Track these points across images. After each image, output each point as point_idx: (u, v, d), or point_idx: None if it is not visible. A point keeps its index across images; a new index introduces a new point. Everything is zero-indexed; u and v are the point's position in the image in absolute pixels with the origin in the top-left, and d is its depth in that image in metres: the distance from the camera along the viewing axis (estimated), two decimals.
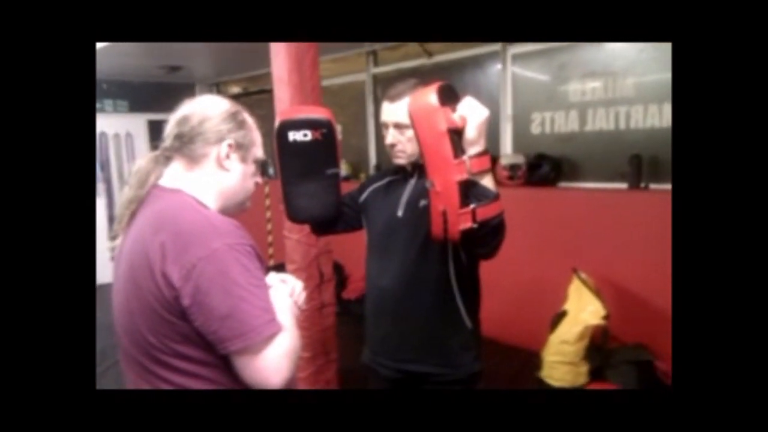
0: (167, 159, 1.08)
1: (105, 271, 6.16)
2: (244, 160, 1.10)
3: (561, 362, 2.77)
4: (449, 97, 1.28)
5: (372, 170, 4.93)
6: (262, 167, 1.17)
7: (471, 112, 1.26)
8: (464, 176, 1.25)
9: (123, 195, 1.07)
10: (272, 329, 0.94)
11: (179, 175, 1.06)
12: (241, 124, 1.09)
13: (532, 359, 3.01)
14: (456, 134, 1.25)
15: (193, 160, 1.06)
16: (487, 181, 1.29)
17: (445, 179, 1.25)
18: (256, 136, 1.14)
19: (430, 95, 1.25)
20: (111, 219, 6.09)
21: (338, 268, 4.43)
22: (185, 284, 0.91)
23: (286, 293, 1.09)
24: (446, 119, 1.24)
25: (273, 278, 1.11)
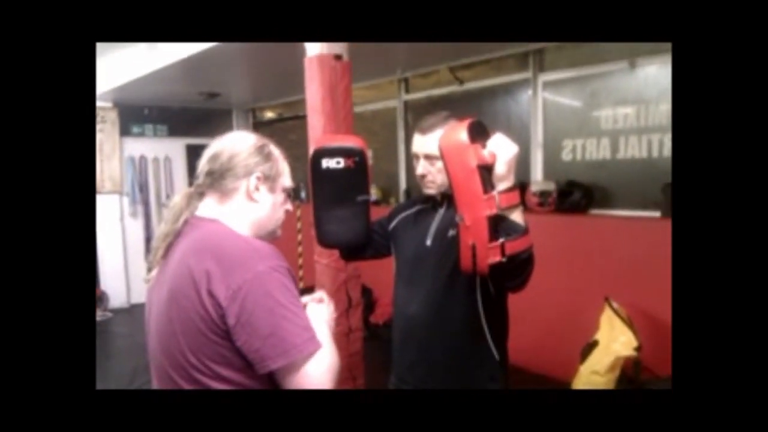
0: (201, 195, 1.14)
1: (141, 291, 6.30)
2: (272, 190, 1.15)
3: None
4: (479, 133, 1.31)
5: (402, 195, 4.96)
6: (292, 193, 1.22)
7: (500, 149, 1.28)
8: (493, 211, 1.26)
9: (159, 230, 1.13)
10: (313, 347, 0.98)
11: (213, 208, 1.12)
12: (267, 157, 1.14)
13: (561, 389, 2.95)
14: (486, 170, 1.27)
15: (225, 194, 1.11)
16: (517, 216, 1.30)
17: (474, 214, 1.27)
18: (283, 167, 1.18)
19: (460, 132, 1.28)
20: (148, 240, 6.25)
21: (367, 292, 4.45)
22: (231, 304, 0.96)
23: (323, 311, 1.14)
24: (476, 156, 1.26)
25: (308, 298, 1.16)
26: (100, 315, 5.60)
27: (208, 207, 1.12)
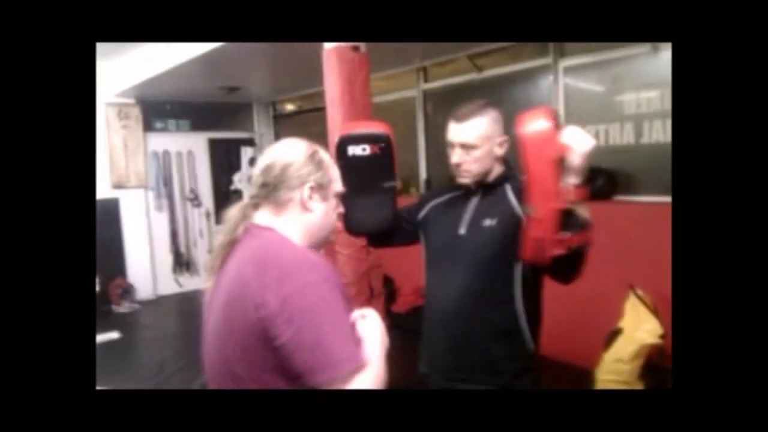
0: (256, 206, 1.14)
1: (166, 283, 6.40)
2: (325, 198, 1.14)
3: (615, 381, 2.69)
4: (557, 122, 1.29)
5: (422, 185, 4.95)
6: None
7: (576, 141, 1.25)
8: (565, 205, 1.26)
9: (216, 241, 1.15)
10: (357, 363, 0.96)
11: (269, 219, 1.12)
12: (319, 165, 1.13)
13: (584, 377, 2.93)
14: (561, 162, 1.26)
15: (280, 205, 1.11)
16: (583, 210, 1.29)
17: (547, 207, 1.26)
18: (334, 173, 1.17)
19: (545, 120, 1.25)
20: (173, 233, 6.36)
21: (388, 282, 4.46)
22: (279, 314, 0.94)
23: (375, 327, 1.10)
24: (556, 147, 1.25)
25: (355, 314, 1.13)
26: (127, 307, 5.72)
27: (265, 217, 1.12)
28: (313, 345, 0.94)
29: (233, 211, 1.14)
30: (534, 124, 1.27)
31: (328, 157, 1.17)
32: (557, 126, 1.28)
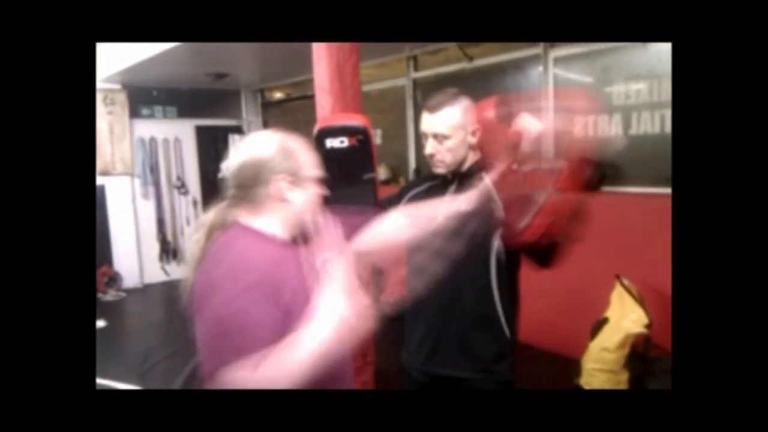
0: (234, 205, 1.15)
1: (153, 271, 6.35)
2: (301, 185, 1.14)
3: (601, 370, 2.72)
4: (506, 111, 1.29)
5: (411, 174, 4.95)
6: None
7: (526, 127, 1.27)
8: (519, 191, 1.27)
9: (190, 250, 1.16)
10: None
11: (247, 216, 1.14)
12: (290, 155, 1.13)
13: (571, 366, 2.97)
14: (513, 149, 1.27)
15: (258, 203, 1.12)
16: (542, 197, 1.30)
17: (502, 194, 1.29)
18: (305, 158, 1.16)
19: (489, 111, 1.27)
20: (160, 221, 6.30)
21: (377, 271, 4.46)
22: (193, 312, 1.04)
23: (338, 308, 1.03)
24: (504, 134, 1.25)
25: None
26: (113, 295, 5.68)
27: (244, 214, 1.14)
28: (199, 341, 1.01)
29: (210, 216, 1.16)
30: (479, 115, 1.30)
31: (296, 144, 1.16)
32: (510, 113, 1.29)
